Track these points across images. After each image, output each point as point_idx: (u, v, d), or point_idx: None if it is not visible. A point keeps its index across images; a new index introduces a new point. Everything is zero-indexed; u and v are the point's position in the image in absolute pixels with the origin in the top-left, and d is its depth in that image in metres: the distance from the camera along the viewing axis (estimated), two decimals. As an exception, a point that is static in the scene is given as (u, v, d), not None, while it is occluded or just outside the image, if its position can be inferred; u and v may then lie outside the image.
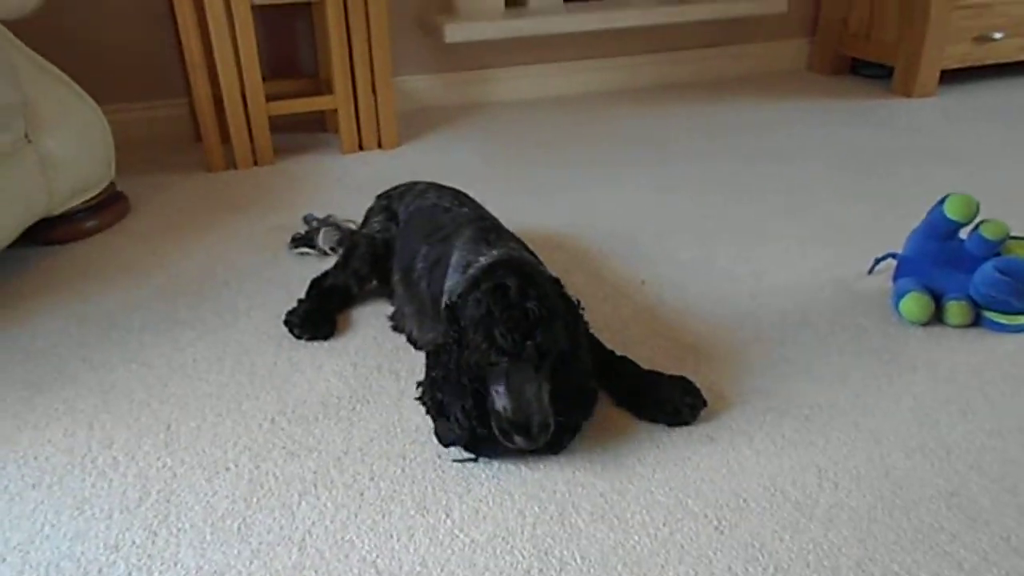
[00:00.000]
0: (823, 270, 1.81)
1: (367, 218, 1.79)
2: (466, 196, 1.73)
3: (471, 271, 1.33)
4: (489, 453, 1.24)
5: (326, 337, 1.60)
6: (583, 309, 1.34)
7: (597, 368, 1.36)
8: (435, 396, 1.26)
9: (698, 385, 1.36)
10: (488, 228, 1.49)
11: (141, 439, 1.32)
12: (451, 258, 1.43)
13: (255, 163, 2.54)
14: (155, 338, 1.61)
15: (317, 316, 1.63)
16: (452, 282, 1.38)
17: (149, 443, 1.31)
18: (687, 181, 2.37)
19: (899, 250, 1.69)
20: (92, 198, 2.10)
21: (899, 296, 1.58)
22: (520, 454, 1.23)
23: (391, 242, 1.69)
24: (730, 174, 2.42)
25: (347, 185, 2.39)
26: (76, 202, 2.05)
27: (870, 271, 1.75)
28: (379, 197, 1.82)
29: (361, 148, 2.66)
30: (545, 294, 1.22)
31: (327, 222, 1.97)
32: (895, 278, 1.66)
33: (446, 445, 1.26)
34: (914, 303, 1.55)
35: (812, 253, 1.89)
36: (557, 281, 1.32)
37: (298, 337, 1.59)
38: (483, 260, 1.34)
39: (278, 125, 2.64)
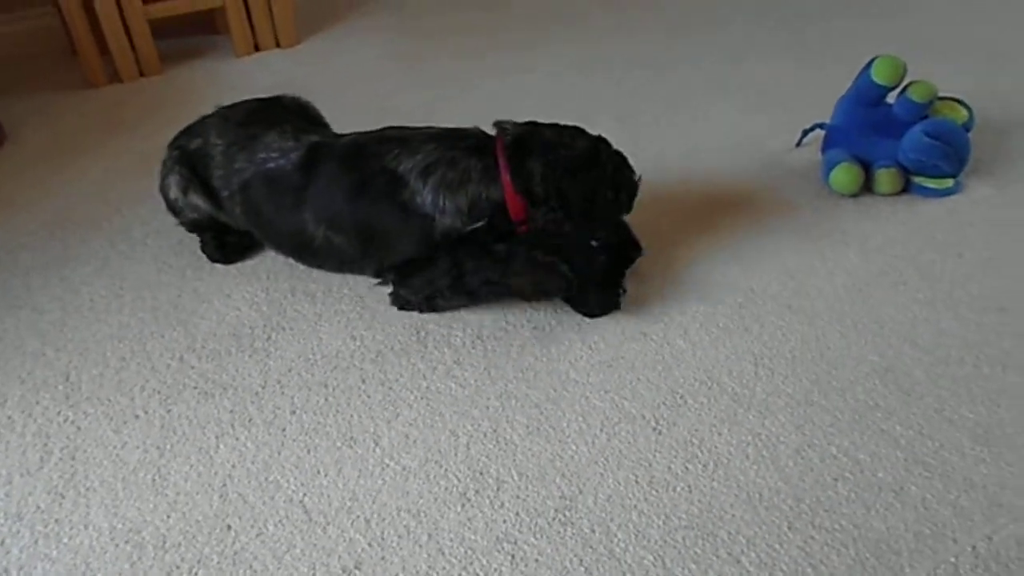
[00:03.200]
0: (752, 145, 1.74)
1: (164, 185, 1.48)
2: (275, 117, 1.46)
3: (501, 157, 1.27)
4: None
5: (250, 250, 1.50)
6: None
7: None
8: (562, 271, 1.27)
9: (626, 280, 1.31)
10: (378, 135, 1.37)
11: (38, 393, 1.22)
12: (409, 156, 1.28)
13: (141, 74, 2.32)
14: (44, 279, 1.48)
15: (234, 238, 1.50)
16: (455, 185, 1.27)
17: (47, 397, 1.21)
18: (608, 63, 2.25)
19: (827, 119, 1.63)
20: (-42, 128, 1.89)
21: (828, 168, 1.53)
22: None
23: (215, 216, 1.47)
24: (653, 51, 2.30)
25: (244, 93, 2.18)
26: (-62, 134, 1.85)
27: (798, 144, 1.69)
28: (171, 153, 1.48)
29: (257, 49, 2.45)
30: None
31: None
32: (824, 149, 1.60)
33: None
34: (843, 175, 1.50)
35: (740, 128, 1.82)
36: None
37: (229, 263, 1.49)
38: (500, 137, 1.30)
39: (163, 30, 2.39)
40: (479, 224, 1.27)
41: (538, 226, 1.28)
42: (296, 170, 1.35)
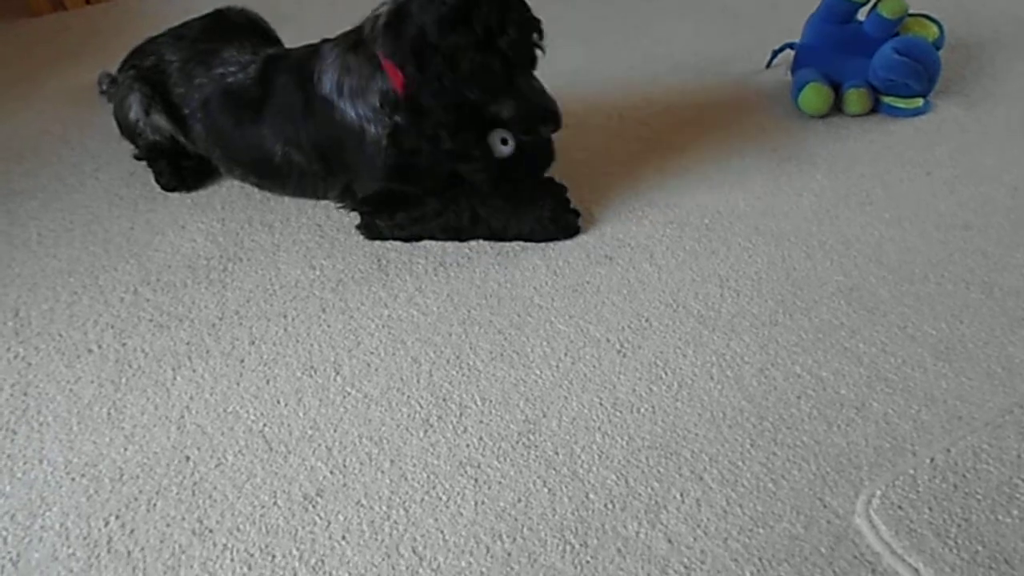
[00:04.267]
0: (720, 67, 1.70)
1: (123, 106, 1.41)
2: (228, 30, 1.43)
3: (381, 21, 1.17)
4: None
5: (208, 175, 1.46)
6: None
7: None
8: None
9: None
10: (313, 49, 1.30)
11: (-14, 329, 1.18)
12: (325, 74, 1.23)
13: (87, 1, 2.21)
14: (-10, 214, 1.42)
15: (190, 163, 1.44)
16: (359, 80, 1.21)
17: (-5, 333, 1.18)
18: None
19: (797, 39, 1.59)
20: None
21: (798, 88, 1.50)
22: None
23: (176, 136, 1.41)
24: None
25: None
26: None
27: (768, 65, 1.65)
28: (127, 73, 1.42)
29: (210, -27, 2.34)
30: None
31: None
32: (793, 69, 1.57)
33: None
34: (813, 95, 1.47)
35: (709, 50, 1.78)
36: None
37: (187, 190, 1.44)
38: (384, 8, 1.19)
39: (108, -48, 2.28)
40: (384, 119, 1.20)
41: (428, 103, 1.16)
42: (254, 84, 1.31)
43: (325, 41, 1.28)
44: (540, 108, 1.21)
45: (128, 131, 1.44)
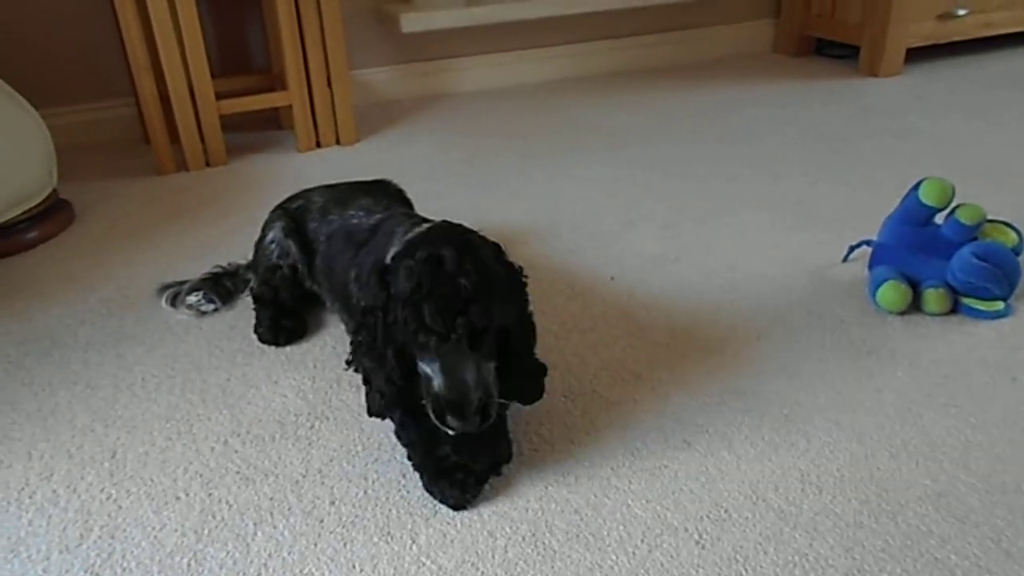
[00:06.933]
0: (797, 259, 1.76)
1: (264, 231, 1.59)
2: (375, 190, 1.60)
3: (411, 235, 1.20)
4: (411, 425, 1.17)
5: (301, 336, 1.56)
6: (526, 277, 1.21)
7: None
8: (362, 362, 1.19)
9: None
10: (415, 215, 1.42)
11: (84, 469, 1.24)
12: (379, 241, 1.33)
13: (207, 164, 2.44)
14: (100, 356, 1.52)
15: (286, 319, 1.55)
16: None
17: (92, 473, 1.23)
18: (652, 171, 2.31)
19: (873, 236, 1.64)
20: (33, 207, 1.99)
21: (876, 285, 1.53)
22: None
23: (298, 269, 1.54)
24: (696, 162, 2.37)
25: (303, 183, 2.28)
26: (15, 213, 1.94)
27: (845, 259, 1.70)
28: (275, 212, 1.62)
29: (319, 145, 2.57)
30: (484, 265, 1.08)
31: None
32: (871, 266, 1.61)
33: (371, 415, 1.18)
34: (891, 292, 1.50)
35: (784, 241, 1.84)
36: (498, 247, 1.19)
37: (279, 345, 1.53)
38: (424, 226, 1.24)
39: (231, 124, 2.53)
40: None
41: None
42: (368, 229, 1.42)
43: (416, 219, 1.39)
44: (455, 392, 1.06)
45: (258, 252, 1.58)
